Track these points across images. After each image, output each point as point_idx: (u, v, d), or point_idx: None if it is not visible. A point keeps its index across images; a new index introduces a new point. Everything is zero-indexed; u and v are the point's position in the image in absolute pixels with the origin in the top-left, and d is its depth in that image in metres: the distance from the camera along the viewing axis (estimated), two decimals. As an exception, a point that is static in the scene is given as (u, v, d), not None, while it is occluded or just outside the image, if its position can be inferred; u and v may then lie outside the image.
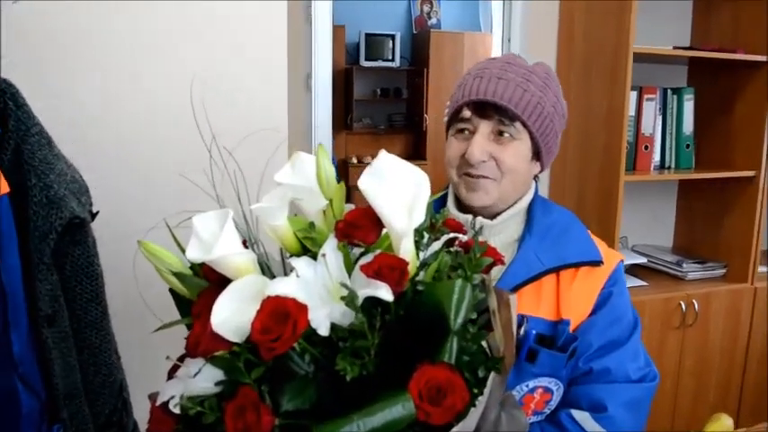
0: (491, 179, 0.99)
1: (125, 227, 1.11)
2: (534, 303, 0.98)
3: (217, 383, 0.59)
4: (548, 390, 0.95)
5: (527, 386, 0.94)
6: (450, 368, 0.51)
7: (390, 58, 5.64)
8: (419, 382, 0.50)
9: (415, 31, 5.90)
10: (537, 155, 1.02)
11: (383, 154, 0.56)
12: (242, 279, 0.57)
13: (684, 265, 2.35)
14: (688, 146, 2.35)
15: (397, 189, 0.54)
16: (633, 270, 2.39)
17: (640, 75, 2.22)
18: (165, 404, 0.62)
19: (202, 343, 0.55)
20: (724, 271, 2.39)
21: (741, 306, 2.31)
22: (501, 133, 0.98)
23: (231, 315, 0.54)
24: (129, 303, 1.18)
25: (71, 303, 1.06)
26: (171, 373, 0.68)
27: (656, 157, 2.33)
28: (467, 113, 0.99)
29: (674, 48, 2.19)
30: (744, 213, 2.33)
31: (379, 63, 5.62)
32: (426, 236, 0.61)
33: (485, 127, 0.98)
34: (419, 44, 5.77)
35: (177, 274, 0.64)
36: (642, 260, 2.41)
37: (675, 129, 2.34)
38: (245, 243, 0.64)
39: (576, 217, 1.08)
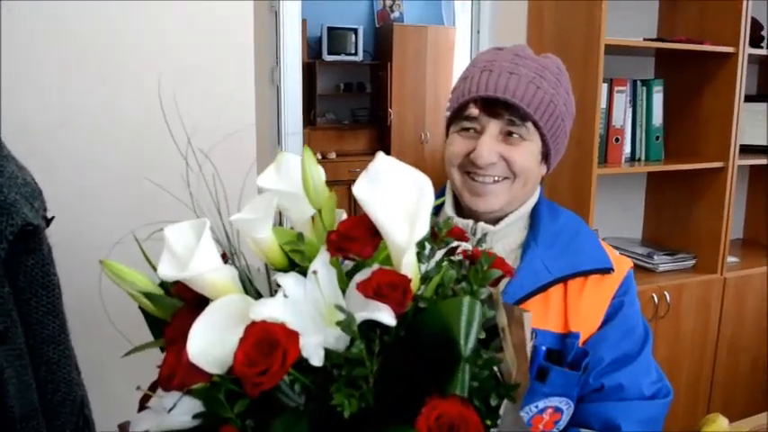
0: (502, 179, 0.92)
1: (90, 235, 1.03)
2: (541, 315, 0.91)
3: (195, 416, 0.52)
4: (558, 410, 0.89)
5: (536, 407, 0.88)
6: (463, 401, 0.45)
7: (353, 52, 5.57)
8: (429, 418, 0.43)
9: (377, 25, 5.84)
10: (545, 156, 0.96)
11: (381, 156, 0.49)
12: (222, 300, 0.50)
13: (655, 258, 2.36)
14: (658, 138, 2.35)
15: (397, 196, 0.48)
16: (605, 263, 2.38)
17: (609, 67, 2.20)
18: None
19: (178, 375, 0.48)
20: (693, 262, 2.40)
21: (711, 296, 2.33)
22: (510, 134, 0.91)
23: (210, 343, 0.47)
24: (93, 315, 1.10)
25: (26, 317, 0.99)
26: (142, 403, 0.60)
27: (627, 150, 2.33)
28: (474, 111, 0.91)
29: (644, 39, 2.19)
30: (713, 204, 2.34)
31: (342, 57, 5.55)
32: (428, 246, 0.54)
33: (494, 126, 0.90)
34: (382, 38, 5.71)
35: (147, 295, 0.57)
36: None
37: (645, 121, 2.34)
38: (224, 256, 0.58)
39: (584, 221, 1.03)
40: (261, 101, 1.85)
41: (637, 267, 2.34)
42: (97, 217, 1.21)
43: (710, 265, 2.34)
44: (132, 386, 0.61)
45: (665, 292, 2.22)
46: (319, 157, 5.60)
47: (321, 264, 0.50)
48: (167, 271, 0.51)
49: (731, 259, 2.40)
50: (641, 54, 2.45)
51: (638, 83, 2.32)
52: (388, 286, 0.46)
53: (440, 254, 0.56)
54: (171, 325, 0.54)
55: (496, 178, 0.92)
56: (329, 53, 5.50)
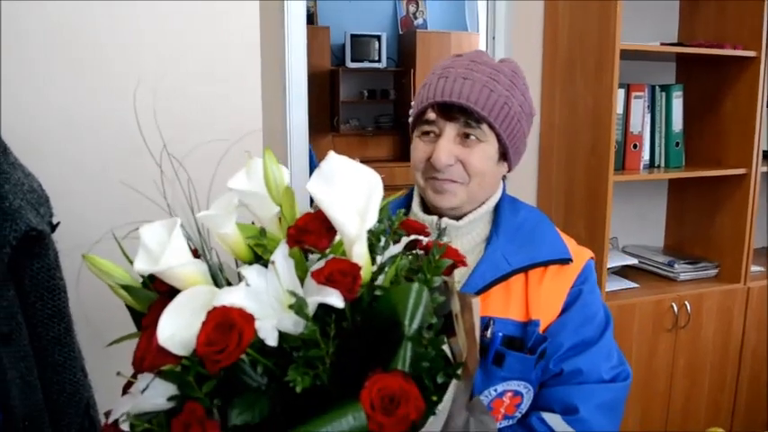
0: (458, 183, 0.97)
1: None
2: (503, 305, 0.96)
3: (169, 399, 0.56)
4: (517, 393, 0.94)
5: (495, 390, 0.93)
6: (404, 376, 0.48)
7: (377, 59, 5.62)
8: (371, 391, 0.47)
9: (401, 32, 5.88)
10: (504, 155, 1.00)
11: (332, 155, 0.53)
12: (189, 290, 0.54)
13: (676, 266, 2.32)
14: (678, 144, 2.32)
15: (348, 192, 0.51)
16: (624, 272, 2.36)
17: (628, 72, 2.18)
18: (117, 422, 0.58)
19: (148, 358, 0.53)
20: (716, 271, 2.35)
21: (734, 306, 2.28)
22: (467, 136, 0.96)
23: (178, 328, 0.51)
24: (102, 317, 1.12)
25: (31, 320, 1.02)
26: (125, 390, 0.64)
27: (646, 156, 2.30)
28: (432, 115, 0.97)
29: (662, 44, 2.16)
30: (735, 212, 2.30)
31: (366, 64, 5.60)
32: (383, 239, 0.58)
33: (450, 129, 0.96)
34: (405, 44, 5.75)
35: (126, 287, 0.61)
36: (633, 261, 2.38)
37: (665, 127, 2.31)
38: (197, 253, 0.60)
39: (545, 215, 1.07)
40: (271, 108, 1.85)
41: (657, 276, 2.33)
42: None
43: (733, 275, 2.30)
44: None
45: (686, 302, 2.19)
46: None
47: (280, 255, 0.53)
48: (142, 265, 0.56)
49: (755, 268, 2.35)
50: (661, 59, 2.42)
51: (657, 88, 2.30)
52: (339, 273, 0.49)
53: (399, 247, 0.60)
54: (147, 315, 0.58)
55: (454, 180, 0.97)
56: (352, 60, 5.56)
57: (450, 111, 0.95)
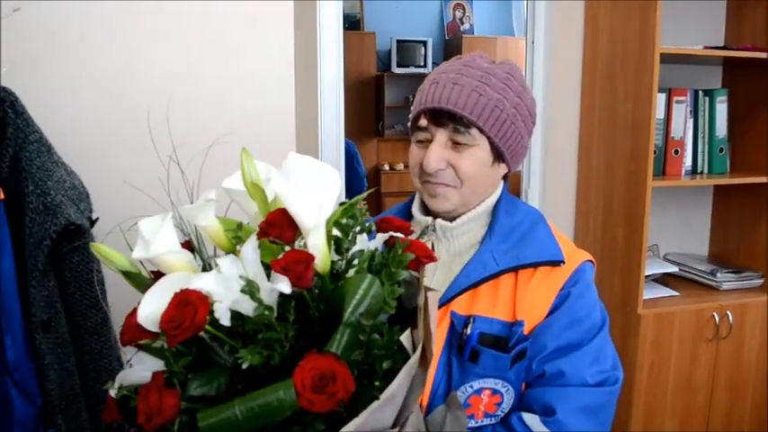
0: (450, 187, 0.98)
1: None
2: (491, 304, 0.96)
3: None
4: (496, 392, 0.93)
5: (471, 387, 0.93)
6: (336, 358, 0.52)
7: (422, 64, 5.63)
8: (303, 370, 0.51)
9: (447, 37, 5.88)
10: (500, 157, 1.00)
11: (292, 155, 0.57)
12: (169, 275, 0.60)
13: (719, 275, 2.25)
14: (722, 150, 2.25)
15: (306, 187, 0.55)
16: (664, 279, 2.31)
17: (672, 76, 2.13)
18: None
19: (128, 333, 0.59)
20: (761, 281, 2.27)
21: (780, 318, 2.19)
22: (457, 140, 0.97)
23: (155, 308, 0.56)
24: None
25: (70, 309, 1.08)
26: None
27: (688, 162, 2.24)
28: (423, 122, 0.99)
29: (705, 47, 2.10)
30: (782, 220, 2.21)
31: (411, 69, 5.61)
32: (350, 235, 0.61)
33: (441, 135, 0.97)
34: (451, 50, 5.75)
35: (125, 273, 0.67)
36: (673, 269, 2.32)
37: (708, 132, 2.25)
38: (190, 247, 0.66)
39: (543, 216, 1.05)
40: (305, 109, 1.87)
41: (699, 285, 2.27)
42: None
43: (780, 285, 2.21)
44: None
45: (728, 312, 2.12)
46: (387, 168, 5.68)
47: (250, 246, 0.58)
48: (138, 253, 0.62)
49: (803, 279, 2.26)
50: (707, 63, 2.35)
51: (700, 93, 2.24)
52: (293, 262, 0.54)
53: (376, 243, 0.63)
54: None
55: (446, 184, 0.99)
56: (398, 66, 5.59)
57: (439, 117, 0.96)
